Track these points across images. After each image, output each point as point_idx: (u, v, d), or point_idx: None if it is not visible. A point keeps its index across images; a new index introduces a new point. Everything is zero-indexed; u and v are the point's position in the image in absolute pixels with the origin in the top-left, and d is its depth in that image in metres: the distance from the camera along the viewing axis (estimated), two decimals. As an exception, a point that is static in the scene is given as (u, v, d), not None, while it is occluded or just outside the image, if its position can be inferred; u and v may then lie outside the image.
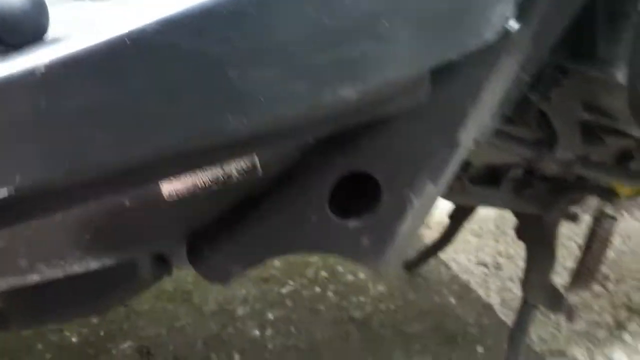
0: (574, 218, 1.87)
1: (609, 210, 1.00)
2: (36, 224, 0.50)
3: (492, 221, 1.88)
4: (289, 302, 1.47)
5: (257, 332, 1.36)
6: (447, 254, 1.64)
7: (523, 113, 0.83)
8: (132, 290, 0.68)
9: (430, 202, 0.59)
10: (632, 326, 1.35)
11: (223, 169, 0.53)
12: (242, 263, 0.55)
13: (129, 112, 0.38)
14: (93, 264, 0.54)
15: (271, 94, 0.41)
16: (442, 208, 1.41)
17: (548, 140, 0.83)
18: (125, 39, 0.38)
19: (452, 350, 1.28)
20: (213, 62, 0.39)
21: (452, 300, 1.47)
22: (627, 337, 1.32)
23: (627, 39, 0.68)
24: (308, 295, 1.50)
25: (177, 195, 0.52)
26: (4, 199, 0.38)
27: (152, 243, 0.55)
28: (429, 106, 0.53)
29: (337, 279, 1.57)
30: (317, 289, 1.53)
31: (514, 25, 0.54)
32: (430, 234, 1.68)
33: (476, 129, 0.59)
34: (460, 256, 1.68)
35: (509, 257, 1.67)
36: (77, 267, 0.54)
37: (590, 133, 0.91)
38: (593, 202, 1.06)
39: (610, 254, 1.68)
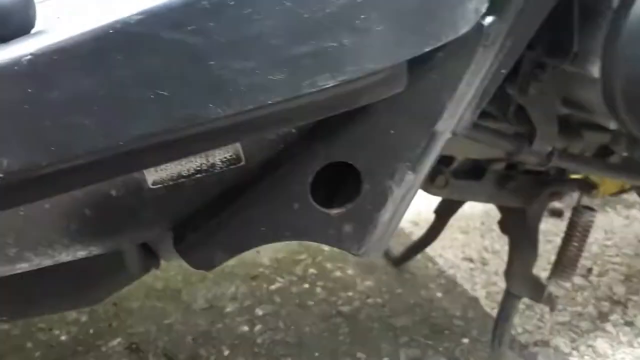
0: (558, 214, 1.90)
1: (588, 202, 1.02)
2: (24, 213, 0.51)
3: (479, 218, 1.90)
4: (277, 298, 1.48)
5: (246, 328, 1.37)
6: (434, 250, 1.66)
7: (502, 107, 0.85)
8: (120, 282, 0.69)
9: (411, 191, 0.61)
10: (615, 317, 1.38)
11: (207, 159, 0.54)
12: (227, 250, 0.57)
13: (112, 101, 0.40)
14: (81, 253, 0.56)
15: (251, 84, 0.43)
16: (430, 206, 1.43)
17: (527, 134, 0.85)
18: (109, 29, 0.39)
19: (438, 342, 1.30)
20: (194, 52, 0.41)
21: (439, 294, 1.49)
22: (609, 327, 1.34)
23: (601, 35, 0.70)
24: (297, 291, 1.52)
25: (162, 184, 0.54)
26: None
27: (139, 232, 0.56)
28: (408, 98, 0.55)
29: (325, 276, 1.58)
30: (306, 285, 1.54)
31: (488, 19, 0.56)
32: (418, 231, 1.70)
33: (454, 121, 0.61)
34: (447, 252, 1.70)
35: (495, 252, 1.69)
36: (65, 256, 0.55)
37: (569, 127, 0.93)
38: (576, 197, 1.08)
39: (594, 248, 1.71)
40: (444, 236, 1.55)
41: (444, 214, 1.43)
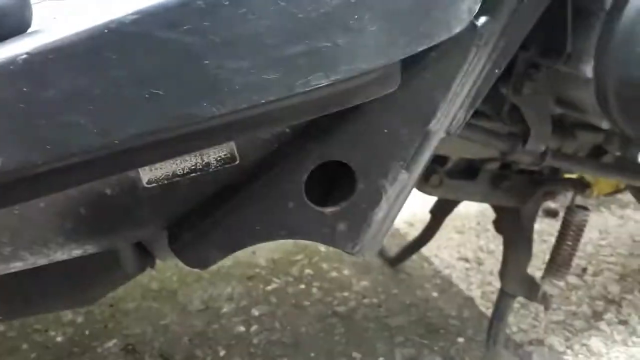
0: (553, 214, 1.91)
1: (582, 201, 1.03)
2: (19, 211, 0.51)
3: (474, 218, 1.91)
4: (273, 299, 1.48)
5: (242, 328, 1.37)
6: (429, 250, 1.67)
7: (496, 107, 0.86)
8: (115, 281, 0.70)
9: (405, 190, 0.61)
10: (609, 316, 1.38)
11: (202, 158, 0.54)
12: (222, 249, 0.57)
13: (107, 100, 0.40)
14: (76, 252, 0.56)
15: (246, 83, 0.43)
16: (426, 206, 1.44)
17: (521, 133, 0.85)
18: (104, 29, 0.39)
19: (434, 341, 1.30)
20: (189, 51, 0.41)
21: (435, 294, 1.50)
22: (604, 326, 1.35)
23: (594, 35, 0.71)
24: (293, 292, 1.52)
25: (156, 183, 0.54)
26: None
27: (134, 231, 0.57)
28: (401, 97, 0.55)
29: (321, 276, 1.59)
30: (302, 286, 1.54)
31: (482, 19, 0.56)
32: (414, 231, 1.71)
33: (447, 120, 0.61)
34: (442, 252, 1.71)
35: (490, 252, 1.70)
36: (60, 255, 0.55)
37: (563, 127, 0.94)
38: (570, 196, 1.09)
39: (589, 247, 1.72)
40: (439, 236, 1.56)
41: (439, 214, 1.43)
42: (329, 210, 0.58)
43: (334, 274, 1.60)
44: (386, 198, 0.59)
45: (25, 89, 0.39)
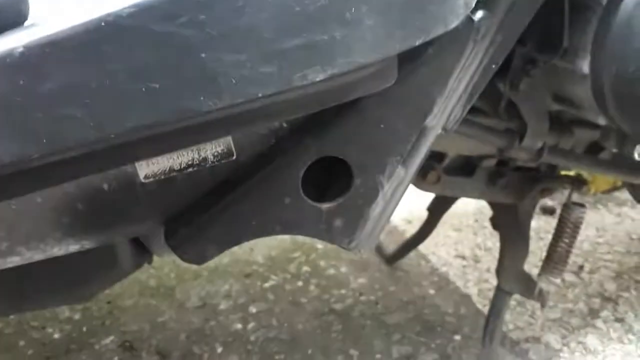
0: (550, 211, 1.92)
1: (578, 198, 1.03)
2: (16, 206, 0.51)
3: (472, 216, 1.91)
4: (271, 296, 1.48)
5: (239, 325, 1.37)
6: (427, 248, 1.67)
7: (493, 103, 0.86)
8: (112, 278, 0.70)
9: (402, 186, 0.62)
10: (605, 313, 1.39)
11: (199, 153, 0.54)
12: (218, 245, 0.57)
13: (103, 93, 0.40)
14: (73, 247, 0.56)
15: (243, 77, 0.43)
16: (423, 204, 1.44)
17: (518, 129, 0.85)
18: (101, 22, 0.39)
19: (430, 339, 1.30)
20: (185, 45, 0.41)
21: (431, 291, 1.50)
22: (600, 324, 1.35)
23: (591, 30, 0.71)
24: (290, 289, 1.52)
25: (153, 178, 0.54)
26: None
27: (131, 226, 0.57)
28: (398, 92, 0.55)
29: (319, 273, 1.59)
30: (299, 283, 1.54)
31: (479, 13, 0.56)
32: (411, 229, 1.71)
33: (444, 116, 0.61)
34: (440, 249, 1.71)
35: (487, 250, 1.70)
36: (57, 250, 0.55)
37: (560, 123, 0.94)
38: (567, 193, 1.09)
39: (586, 245, 1.72)
40: (436, 234, 1.56)
41: (436, 211, 1.43)
42: (325, 205, 0.58)
43: (331, 271, 1.60)
44: (383, 194, 0.59)
45: (21, 82, 0.39)
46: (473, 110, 0.81)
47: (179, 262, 1.62)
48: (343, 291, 1.50)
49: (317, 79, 0.45)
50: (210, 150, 0.55)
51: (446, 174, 0.99)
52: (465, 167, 1.01)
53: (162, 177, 0.54)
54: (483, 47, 0.59)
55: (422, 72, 0.55)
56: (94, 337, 1.33)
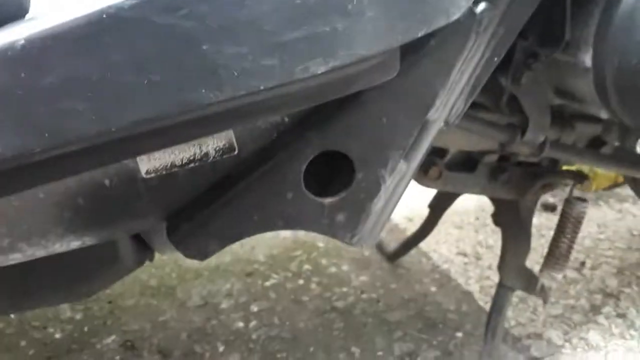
0: (552, 208, 1.91)
1: (579, 194, 1.03)
2: (17, 202, 0.51)
3: (473, 213, 1.91)
4: (272, 295, 1.48)
5: (241, 324, 1.37)
6: (428, 245, 1.67)
7: (495, 98, 0.86)
8: (114, 274, 0.69)
9: (404, 180, 0.61)
10: (607, 309, 1.39)
11: (200, 148, 0.54)
12: (221, 240, 0.57)
13: (105, 86, 0.40)
14: (74, 243, 0.55)
15: (244, 69, 0.43)
16: (424, 202, 1.44)
17: (520, 124, 0.85)
18: (102, 14, 0.39)
19: (432, 336, 1.30)
20: (187, 37, 0.41)
21: (433, 288, 1.50)
22: (602, 319, 1.35)
23: (593, 23, 0.71)
24: (291, 287, 1.52)
25: (155, 173, 0.54)
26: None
27: (133, 222, 0.56)
28: (400, 85, 0.55)
29: (320, 271, 1.59)
30: (301, 281, 1.54)
31: (481, 5, 0.56)
32: (412, 227, 1.71)
33: (447, 109, 0.61)
34: (441, 247, 1.71)
35: (488, 247, 1.70)
36: (58, 247, 0.55)
37: (562, 118, 0.94)
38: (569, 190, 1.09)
39: (587, 241, 1.72)
40: (438, 232, 1.56)
41: (437, 208, 1.43)
42: (327, 200, 0.58)
43: (332, 269, 1.60)
44: (385, 188, 0.59)
45: (22, 75, 0.38)
46: (475, 105, 0.81)
47: (180, 262, 1.62)
48: (344, 289, 1.50)
49: (319, 71, 0.44)
50: (212, 145, 0.54)
51: (448, 170, 0.99)
52: (467, 162, 1.01)
53: (164, 172, 0.54)
54: (485, 39, 0.59)
55: (425, 64, 0.54)
56: (96, 337, 1.33)
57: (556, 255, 1.02)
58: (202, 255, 0.57)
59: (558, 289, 1.45)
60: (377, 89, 0.53)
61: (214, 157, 0.55)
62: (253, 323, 1.37)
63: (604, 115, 0.81)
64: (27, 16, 0.42)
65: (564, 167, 1.10)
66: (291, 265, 1.62)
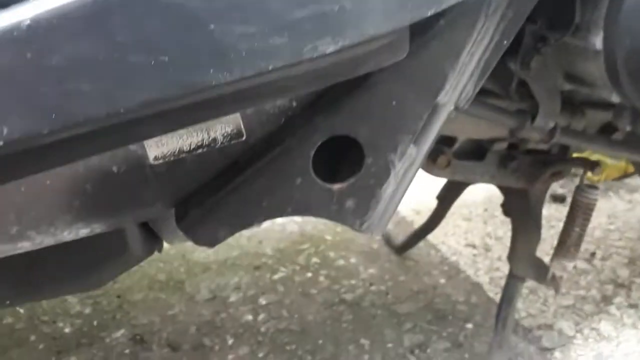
0: (561, 199, 1.90)
1: (590, 180, 1.02)
2: (25, 189, 0.51)
3: (481, 205, 1.90)
4: (281, 288, 1.48)
5: (250, 317, 1.36)
6: (436, 238, 1.66)
7: (504, 84, 0.85)
8: (123, 264, 0.69)
9: (413, 166, 0.61)
10: (618, 300, 1.37)
11: (208, 133, 0.54)
12: (230, 226, 0.56)
13: (112, 66, 0.39)
14: (83, 231, 0.55)
15: (252, 49, 0.42)
16: (432, 194, 1.43)
17: (530, 110, 0.84)
18: (108, -7, 0.39)
19: (442, 327, 1.29)
20: (195, 17, 0.40)
21: (442, 280, 1.49)
22: (613, 310, 1.34)
23: (604, 5, 0.70)
24: (300, 280, 1.51)
25: (163, 159, 0.53)
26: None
27: (141, 209, 0.56)
28: (410, 67, 0.54)
29: (328, 264, 1.58)
30: (309, 274, 1.54)
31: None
32: (420, 219, 1.70)
33: (456, 93, 0.60)
34: (449, 239, 1.70)
35: (497, 239, 1.69)
36: (67, 234, 0.55)
37: (572, 104, 0.93)
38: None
39: (597, 232, 1.71)
40: (446, 224, 1.55)
41: (445, 200, 1.42)
42: (336, 186, 0.57)
43: (340, 262, 1.59)
44: (394, 173, 0.58)
45: (29, 56, 0.38)
46: (484, 91, 0.80)
47: (189, 256, 1.63)
48: (353, 282, 1.49)
49: (328, 51, 0.44)
50: (220, 130, 0.54)
51: (456, 158, 0.98)
52: (476, 150, 1.00)
53: (172, 158, 0.54)
54: (494, 21, 0.58)
55: (434, 46, 0.54)
56: (105, 331, 1.33)
57: (567, 243, 1.01)
58: (212, 242, 0.57)
59: (568, 279, 1.44)
60: (386, 71, 0.52)
61: (221, 143, 0.55)
62: (262, 316, 1.36)
63: (615, 99, 0.80)
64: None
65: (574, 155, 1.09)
66: (299, 258, 1.61)
